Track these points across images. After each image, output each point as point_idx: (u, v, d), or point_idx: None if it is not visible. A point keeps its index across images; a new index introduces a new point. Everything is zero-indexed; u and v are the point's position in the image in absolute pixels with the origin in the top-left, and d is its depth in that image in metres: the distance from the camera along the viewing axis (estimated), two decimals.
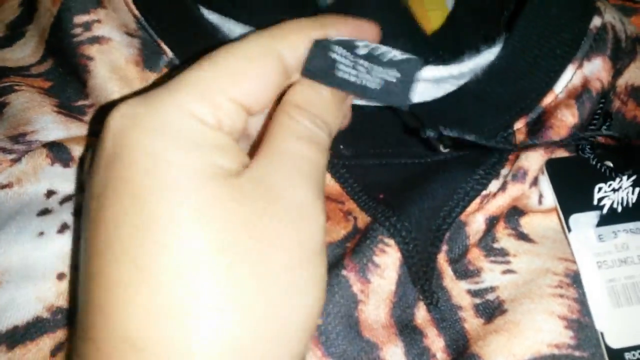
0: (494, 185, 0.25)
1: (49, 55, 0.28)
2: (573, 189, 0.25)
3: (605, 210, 0.25)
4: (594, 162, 0.25)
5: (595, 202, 0.25)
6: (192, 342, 0.16)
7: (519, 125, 0.26)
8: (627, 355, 0.23)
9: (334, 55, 0.21)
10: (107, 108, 0.20)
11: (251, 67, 0.19)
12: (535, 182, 0.25)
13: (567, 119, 0.25)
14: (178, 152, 0.17)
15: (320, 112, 0.20)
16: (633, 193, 0.25)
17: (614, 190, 0.25)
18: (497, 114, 0.26)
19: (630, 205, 0.25)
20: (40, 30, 0.29)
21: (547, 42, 0.26)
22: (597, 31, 0.26)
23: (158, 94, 0.18)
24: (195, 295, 0.16)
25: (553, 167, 0.25)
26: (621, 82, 0.27)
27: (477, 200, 0.24)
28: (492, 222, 0.25)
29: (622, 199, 0.25)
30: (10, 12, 0.31)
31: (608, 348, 0.23)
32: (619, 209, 0.25)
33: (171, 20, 0.27)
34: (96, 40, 0.26)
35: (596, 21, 0.26)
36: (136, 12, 0.27)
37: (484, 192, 0.25)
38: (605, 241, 0.24)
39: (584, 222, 0.25)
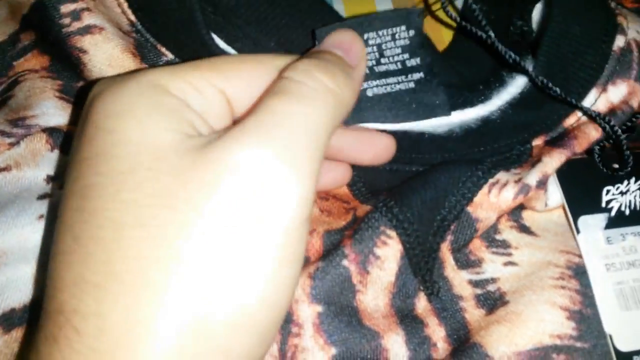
0: (504, 177, 0.24)
1: (28, 28, 0.27)
2: (581, 191, 0.25)
3: (613, 213, 0.25)
4: (600, 165, 0.25)
5: (603, 205, 0.25)
6: (111, 316, 0.15)
7: (538, 142, 0.26)
8: (636, 358, 0.23)
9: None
10: (88, 88, 0.19)
11: (241, 62, 0.19)
12: None
13: (591, 133, 0.25)
14: (122, 121, 0.17)
15: (310, 67, 0.18)
16: None
17: (622, 193, 0.25)
18: (515, 130, 0.26)
19: (638, 208, 0.25)
20: (12, 4, 0.28)
21: (571, 65, 0.25)
22: (621, 52, 0.25)
23: (136, 72, 0.18)
24: (115, 273, 0.15)
25: (562, 169, 0.25)
26: None
27: (485, 190, 0.24)
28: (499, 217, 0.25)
29: (630, 202, 0.25)
30: None
31: (617, 351, 0.23)
32: (627, 212, 0.25)
33: (175, 33, 0.25)
34: (87, 30, 0.25)
35: (619, 41, 0.25)
36: (132, 17, 0.25)
37: (492, 181, 0.24)
38: (613, 244, 0.24)
39: (593, 224, 0.24)
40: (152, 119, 0.16)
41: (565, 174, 0.25)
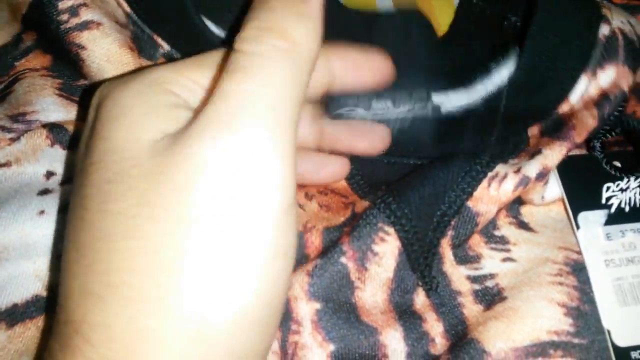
0: (503, 170, 0.24)
1: (29, 28, 0.27)
2: (582, 187, 0.25)
3: (613, 210, 0.25)
4: (602, 162, 0.25)
5: (603, 201, 0.25)
6: (117, 326, 0.15)
7: (534, 131, 0.26)
8: (633, 354, 0.23)
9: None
10: (93, 89, 0.19)
11: None
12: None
13: (588, 121, 0.25)
14: (117, 126, 0.17)
15: (257, 33, 0.17)
16: None
17: (622, 190, 0.25)
18: (510, 122, 0.26)
19: (638, 205, 0.25)
20: (11, 5, 0.27)
21: (558, 54, 0.25)
22: (607, 39, 0.26)
23: (139, 71, 0.18)
24: (113, 285, 0.15)
25: (563, 165, 0.25)
26: None
27: (485, 183, 0.24)
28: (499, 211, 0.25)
29: (630, 199, 0.25)
30: None
31: (614, 346, 0.23)
32: (627, 209, 0.25)
33: (168, 21, 0.26)
34: (85, 26, 0.25)
35: (604, 29, 0.26)
36: (127, 8, 0.25)
37: (491, 174, 0.24)
38: (612, 240, 0.24)
39: (592, 220, 0.25)
40: (147, 120, 0.16)
41: (565, 170, 0.25)
